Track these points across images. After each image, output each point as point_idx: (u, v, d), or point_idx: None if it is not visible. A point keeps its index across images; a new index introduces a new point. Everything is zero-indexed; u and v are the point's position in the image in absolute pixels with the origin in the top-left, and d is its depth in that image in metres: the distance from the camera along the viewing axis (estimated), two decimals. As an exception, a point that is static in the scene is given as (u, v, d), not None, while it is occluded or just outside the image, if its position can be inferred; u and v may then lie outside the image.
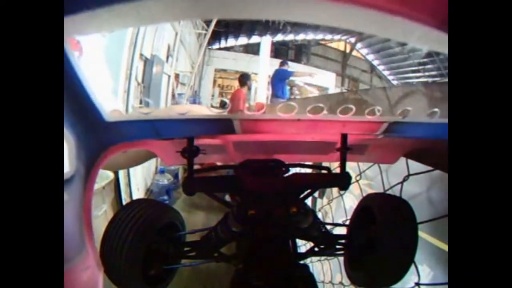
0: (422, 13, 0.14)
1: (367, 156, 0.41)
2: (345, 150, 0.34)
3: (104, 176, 1.28)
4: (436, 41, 0.14)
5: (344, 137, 0.34)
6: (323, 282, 0.84)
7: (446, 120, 0.24)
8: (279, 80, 3.35)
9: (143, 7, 0.13)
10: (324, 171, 0.43)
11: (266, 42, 3.22)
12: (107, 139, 0.24)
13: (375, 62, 8.79)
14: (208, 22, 4.01)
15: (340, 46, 8.52)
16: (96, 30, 0.14)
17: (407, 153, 0.43)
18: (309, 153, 0.41)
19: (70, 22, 0.13)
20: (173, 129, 0.26)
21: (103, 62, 0.50)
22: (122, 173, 1.74)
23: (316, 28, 6.84)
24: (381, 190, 0.51)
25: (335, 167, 0.42)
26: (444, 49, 0.15)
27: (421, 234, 0.34)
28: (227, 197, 0.44)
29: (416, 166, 0.44)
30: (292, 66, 3.62)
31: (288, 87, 3.42)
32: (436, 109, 0.24)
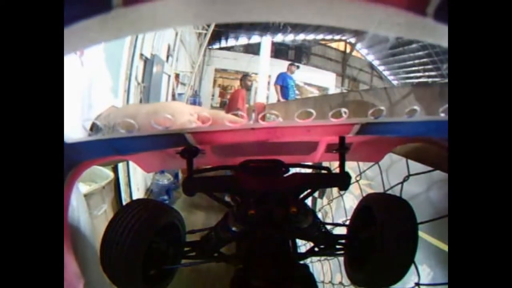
0: None
1: (351, 154, 0.40)
2: (344, 150, 0.34)
3: (104, 176, 1.28)
4: (403, 25, 0.13)
5: (342, 137, 0.34)
6: (323, 282, 0.84)
7: (425, 118, 0.23)
8: (281, 84, 3.37)
9: (159, 10, 0.12)
10: (324, 171, 0.43)
11: (266, 42, 3.22)
12: (69, 160, 0.23)
13: (375, 63, 8.80)
14: (208, 22, 4.00)
15: (340, 46, 8.53)
16: (103, 39, 0.14)
17: (396, 150, 0.42)
18: (289, 154, 0.40)
19: (71, 32, 0.12)
20: (129, 146, 0.25)
21: (103, 61, 0.51)
22: (122, 173, 1.74)
23: (316, 28, 6.84)
24: (381, 190, 0.51)
25: (335, 167, 0.41)
26: (415, 33, 0.13)
27: (421, 234, 0.34)
28: (227, 197, 0.44)
29: (416, 166, 0.44)
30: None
31: (292, 89, 3.44)
32: (415, 107, 0.22)
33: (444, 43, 0.14)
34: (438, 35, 0.13)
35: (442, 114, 0.21)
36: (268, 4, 0.13)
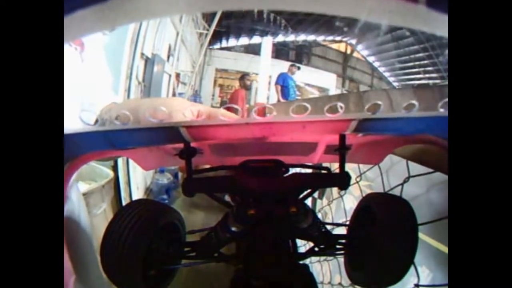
0: None
1: (351, 156, 0.40)
2: (344, 150, 0.34)
3: (103, 175, 1.28)
4: (395, 12, 0.13)
5: (342, 137, 0.33)
6: (322, 283, 0.84)
7: (423, 114, 0.22)
8: (282, 84, 3.37)
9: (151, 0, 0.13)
10: (324, 171, 0.43)
11: (267, 42, 3.21)
12: (67, 151, 0.23)
13: (376, 64, 8.80)
14: (209, 22, 4.01)
15: (341, 47, 8.53)
16: (99, 28, 0.14)
17: (396, 151, 0.42)
18: (288, 154, 0.40)
19: (70, 21, 0.13)
20: (124, 140, 0.25)
21: (104, 60, 0.50)
22: (121, 172, 1.74)
23: (317, 28, 6.84)
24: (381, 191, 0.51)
25: (335, 167, 0.41)
26: (407, 21, 0.13)
27: (421, 235, 0.34)
28: (227, 197, 0.44)
29: (416, 168, 0.44)
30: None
31: (293, 90, 3.45)
32: (413, 101, 0.21)
33: (438, 32, 0.14)
34: (431, 22, 0.13)
35: (441, 110, 0.20)
36: None
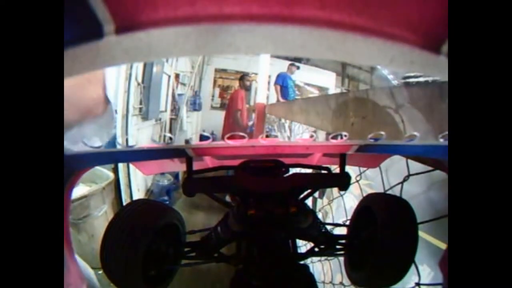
0: (396, 29, 0.12)
1: (349, 160, 0.40)
2: (345, 152, 0.34)
3: (104, 177, 1.28)
4: (416, 62, 0.13)
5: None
6: (323, 282, 0.84)
7: (424, 142, 0.23)
8: (281, 84, 3.37)
9: (155, 39, 0.12)
10: (324, 171, 0.43)
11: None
12: (69, 169, 0.24)
13: (375, 62, 8.78)
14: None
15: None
16: (95, 67, 0.13)
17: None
18: (287, 157, 0.40)
19: (70, 56, 0.12)
20: (129, 157, 0.26)
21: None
22: (122, 174, 1.74)
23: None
24: (381, 190, 0.51)
25: (335, 167, 0.41)
26: (427, 70, 0.13)
27: (421, 234, 0.34)
28: (227, 198, 0.44)
29: (416, 166, 0.44)
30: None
31: (292, 89, 3.45)
32: (415, 133, 0.22)
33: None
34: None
35: (441, 140, 0.21)
36: (277, 39, 0.12)
